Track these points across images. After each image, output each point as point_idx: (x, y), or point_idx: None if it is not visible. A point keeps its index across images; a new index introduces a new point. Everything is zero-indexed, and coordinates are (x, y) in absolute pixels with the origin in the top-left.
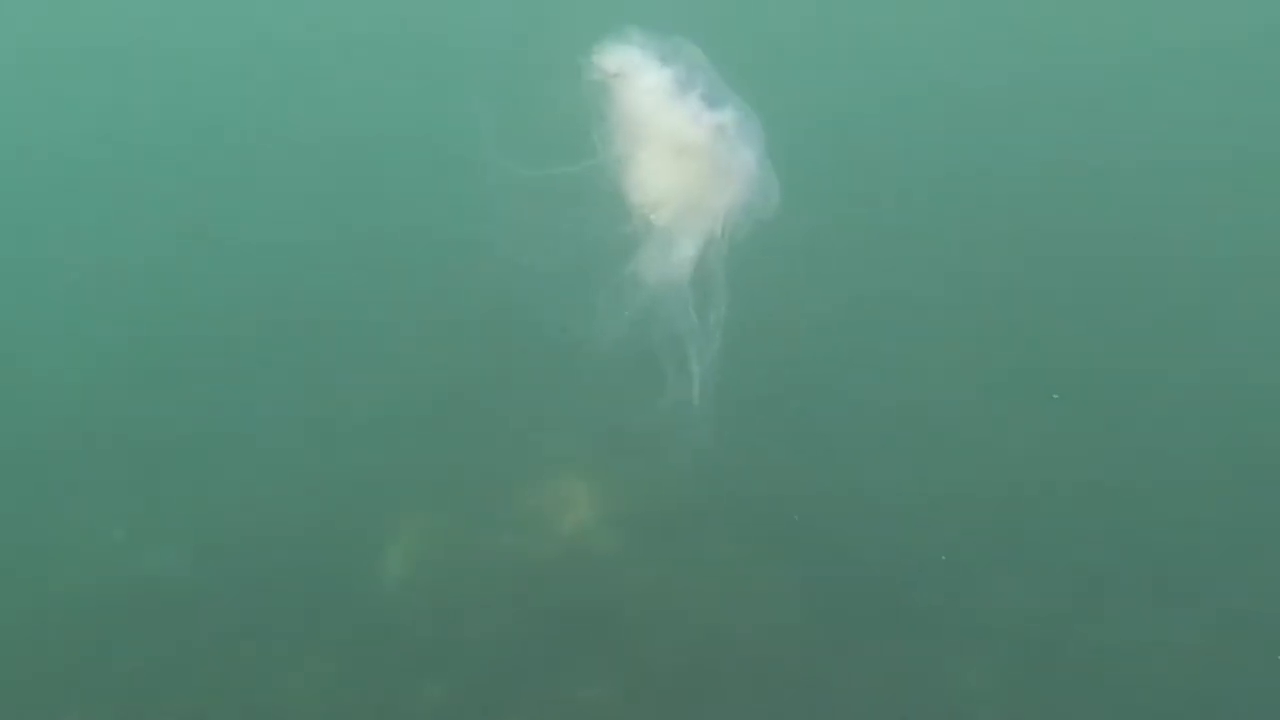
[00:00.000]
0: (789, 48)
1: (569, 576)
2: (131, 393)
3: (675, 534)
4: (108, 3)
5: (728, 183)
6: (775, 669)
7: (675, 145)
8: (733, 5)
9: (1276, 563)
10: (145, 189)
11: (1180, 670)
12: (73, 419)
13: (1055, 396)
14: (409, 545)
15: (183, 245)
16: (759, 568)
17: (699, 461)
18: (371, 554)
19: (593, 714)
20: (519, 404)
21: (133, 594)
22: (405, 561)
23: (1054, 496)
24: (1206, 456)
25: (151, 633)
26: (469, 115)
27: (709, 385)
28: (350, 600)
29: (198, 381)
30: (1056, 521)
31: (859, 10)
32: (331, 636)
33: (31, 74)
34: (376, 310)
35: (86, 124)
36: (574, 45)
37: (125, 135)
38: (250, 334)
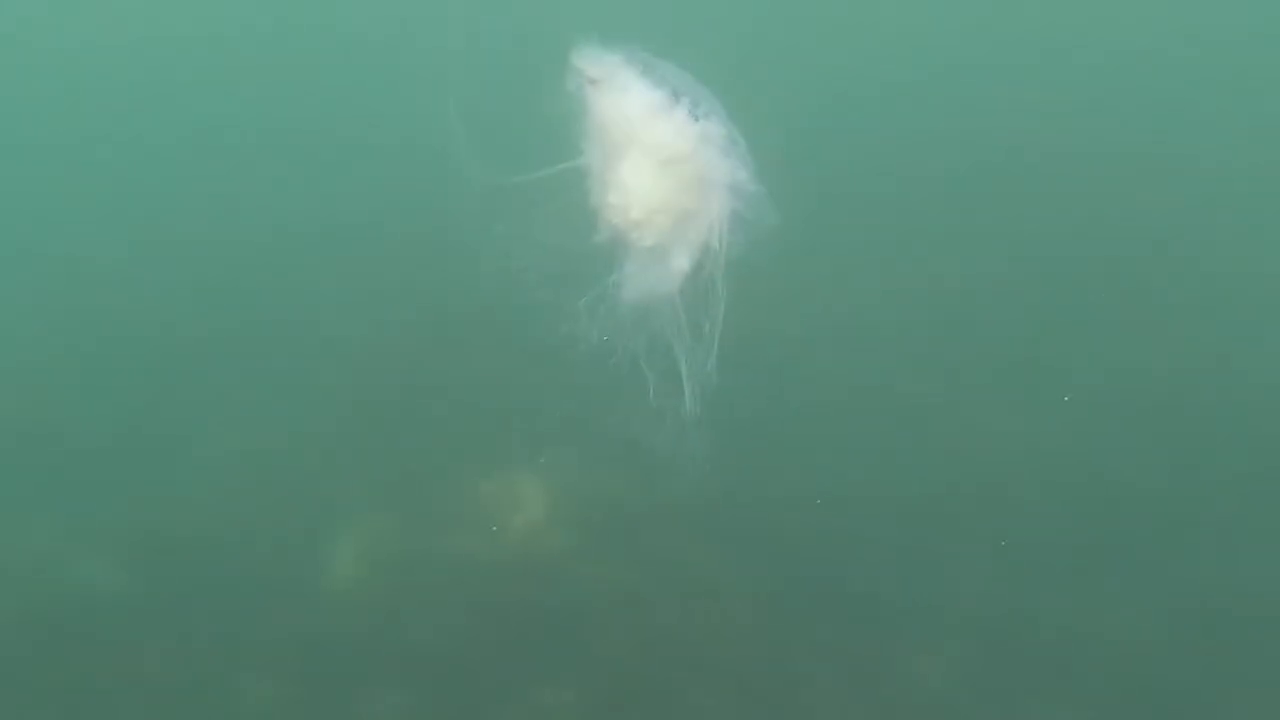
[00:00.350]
0: (772, 56)
1: (526, 578)
2: (61, 393)
3: (635, 534)
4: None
5: (712, 189)
6: (738, 668)
7: (660, 153)
8: (715, 14)
9: (1242, 558)
10: (92, 188)
11: (1144, 662)
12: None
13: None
14: (360, 548)
15: (125, 242)
16: (720, 567)
17: (661, 462)
18: (321, 558)
19: (553, 718)
20: (477, 405)
21: (63, 607)
22: (356, 565)
23: (1022, 495)
24: (1178, 456)
25: (84, 648)
26: (452, 120)
27: (679, 386)
28: (299, 607)
29: (132, 381)
30: (1023, 518)
31: (844, 17)
32: (279, 646)
33: None
34: (328, 308)
35: (31, 120)
36: (557, 53)
37: (107, 135)
38: (193, 332)
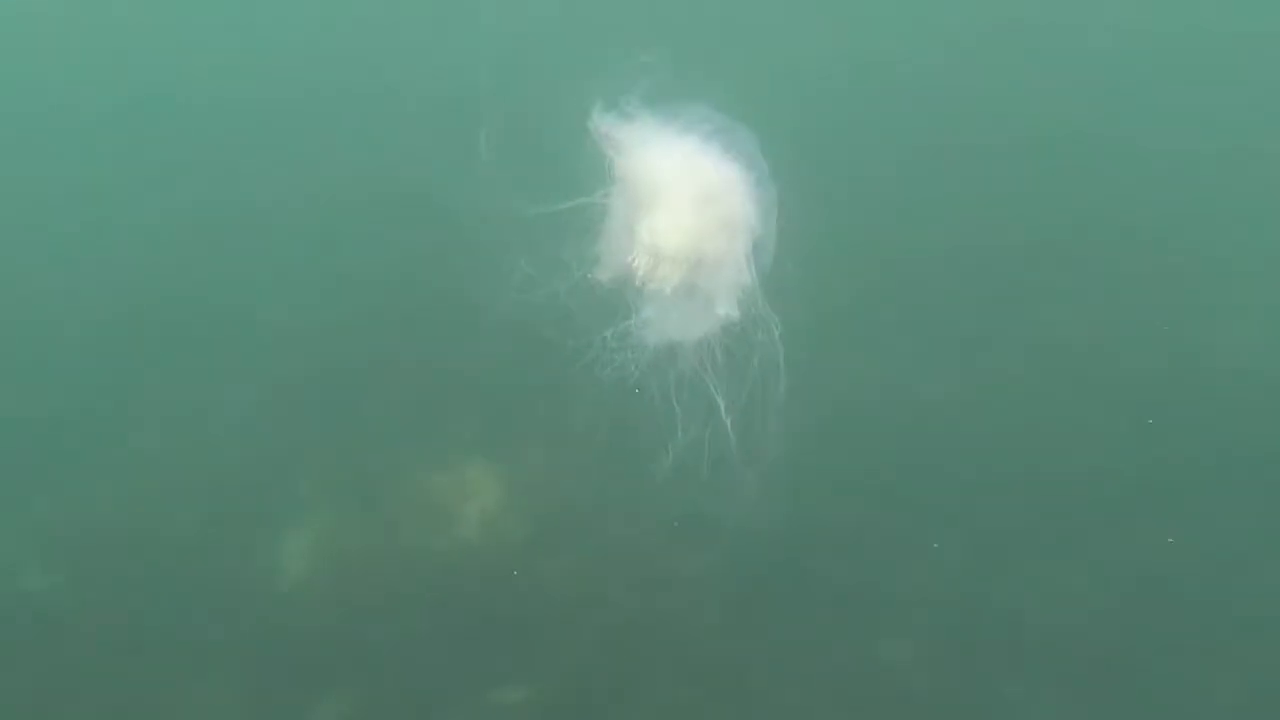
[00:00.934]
0: (799, 88)
1: (479, 573)
2: None
3: (593, 525)
4: None
5: (741, 230)
6: (699, 657)
7: (688, 194)
8: (742, 42)
9: (1217, 546)
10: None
11: (1095, 634)
12: None
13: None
14: (306, 545)
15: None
16: (678, 556)
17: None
18: (265, 556)
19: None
20: (433, 398)
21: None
22: (302, 563)
23: (987, 474)
24: (1151, 441)
25: (20, 654)
26: (482, 147)
27: (713, 419)
28: (242, 607)
29: (67, 370)
30: (981, 498)
31: (861, 48)
32: (222, 647)
33: None
34: (337, 315)
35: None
36: (590, 85)
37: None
38: (132, 317)
